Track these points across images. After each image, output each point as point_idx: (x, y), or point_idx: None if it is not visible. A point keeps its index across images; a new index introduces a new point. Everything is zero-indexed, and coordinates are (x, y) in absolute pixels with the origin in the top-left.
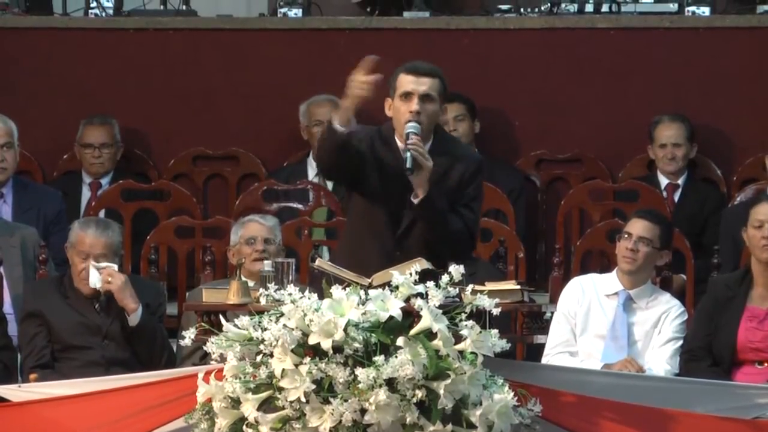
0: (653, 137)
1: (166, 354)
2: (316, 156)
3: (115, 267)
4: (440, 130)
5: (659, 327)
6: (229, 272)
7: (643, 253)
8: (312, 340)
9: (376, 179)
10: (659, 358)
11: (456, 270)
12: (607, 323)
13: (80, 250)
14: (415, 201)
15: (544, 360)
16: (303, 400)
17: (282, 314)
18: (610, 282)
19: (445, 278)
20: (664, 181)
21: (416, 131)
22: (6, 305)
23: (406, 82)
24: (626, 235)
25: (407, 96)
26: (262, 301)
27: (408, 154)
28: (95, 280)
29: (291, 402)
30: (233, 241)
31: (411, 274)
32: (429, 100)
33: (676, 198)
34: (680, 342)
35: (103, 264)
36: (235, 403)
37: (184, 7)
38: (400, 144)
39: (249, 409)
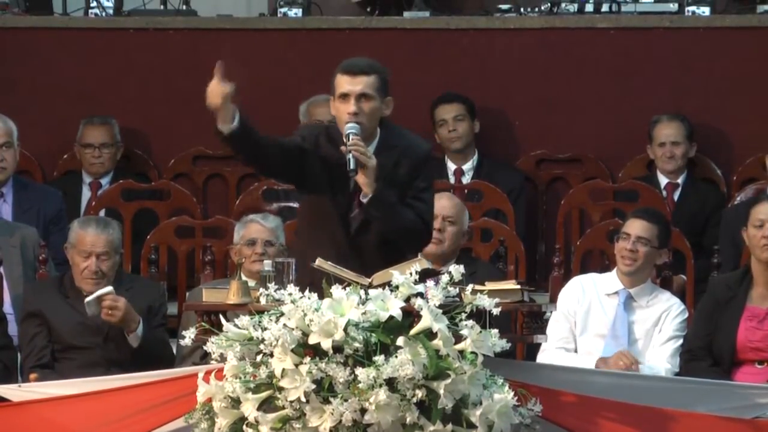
0: (652, 136)
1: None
2: None
3: (110, 289)
4: (386, 123)
5: (660, 325)
6: (230, 272)
7: (643, 253)
8: (312, 340)
9: (323, 178)
10: (660, 356)
11: (456, 270)
12: (607, 322)
13: (81, 249)
14: (364, 200)
15: (541, 355)
16: (303, 399)
17: (282, 314)
18: (610, 281)
19: (444, 278)
20: (663, 180)
21: (356, 131)
22: (6, 305)
23: (343, 82)
24: (624, 236)
25: (344, 97)
26: (262, 300)
27: (349, 156)
28: (93, 311)
29: (291, 402)
30: (235, 239)
31: (411, 274)
32: (366, 98)
33: (676, 197)
34: (681, 340)
35: (100, 292)
36: (235, 402)
37: (184, 7)
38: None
39: (249, 408)
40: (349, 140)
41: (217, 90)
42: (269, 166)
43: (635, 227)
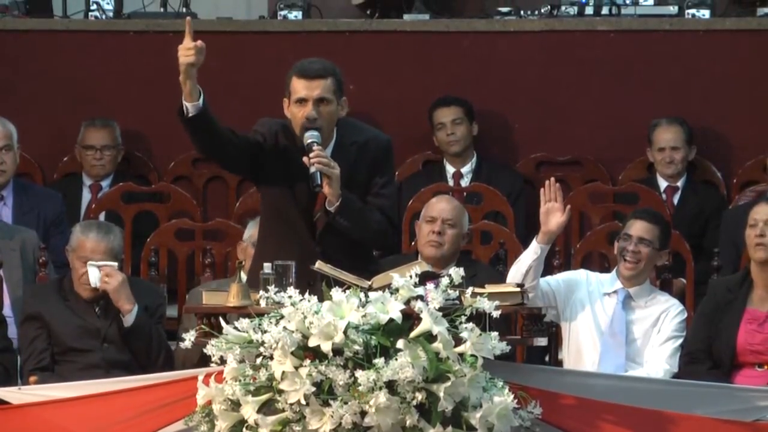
0: (651, 140)
1: (163, 355)
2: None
3: (115, 265)
4: (342, 121)
5: (659, 326)
6: (230, 275)
7: (645, 254)
8: (312, 343)
9: (283, 173)
10: (658, 356)
11: (455, 272)
12: (606, 320)
13: (81, 254)
14: (331, 209)
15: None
16: (303, 402)
17: (282, 317)
18: (609, 280)
19: (444, 281)
20: (663, 183)
21: (316, 140)
22: (6, 308)
23: (299, 87)
24: (626, 237)
25: (301, 102)
26: (262, 303)
27: (313, 170)
28: (95, 278)
29: (291, 404)
30: (245, 237)
31: (411, 276)
32: (324, 102)
33: (676, 200)
34: (680, 341)
35: (103, 262)
36: (235, 405)
37: (184, 10)
38: (299, 142)
39: (249, 411)
40: (311, 150)
41: (190, 46)
42: (225, 156)
43: (637, 228)
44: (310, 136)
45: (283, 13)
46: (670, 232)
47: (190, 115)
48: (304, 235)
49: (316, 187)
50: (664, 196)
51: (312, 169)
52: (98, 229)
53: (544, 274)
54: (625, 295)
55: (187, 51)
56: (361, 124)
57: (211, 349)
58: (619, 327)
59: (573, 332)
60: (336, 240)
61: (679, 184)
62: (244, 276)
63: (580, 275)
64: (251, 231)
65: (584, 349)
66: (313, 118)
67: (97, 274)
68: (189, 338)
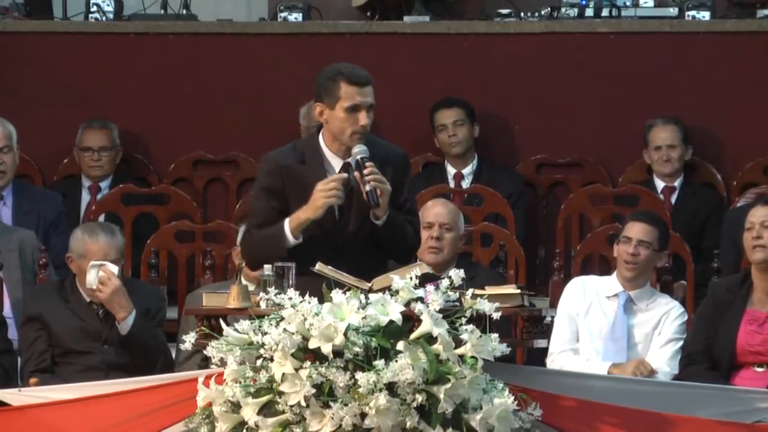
0: (647, 141)
1: (162, 360)
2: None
3: (115, 269)
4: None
5: (659, 328)
6: (230, 276)
7: (644, 256)
8: (312, 345)
9: (303, 196)
10: (659, 359)
11: (456, 274)
12: (607, 324)
13: (92, 259)
14: (379, 223)
15: (549, 359)
16: (303, 404)
17: (282, 318)
18: (610, 284)
19: (445, 282)
20: (660, 184)
21: (366, 155)
22: (6, 309)
23: (352, 93)
24: (625, 239)
25: (355, 109)
26: (262, 305)
27: (369, 189)
28: (92, 280)
29: (291, 406)
30: (239, 241)
31: (411, 278)
32: (372, 109)
33: (673, 201)
34: (680, 343)
35: (101, 262)
36: (236, 407)
37: (184, 12)
38: (328, 152)
39: (249, 413)
40: (363, 167)
41: (334, 186)
42: None
43: (636, 231)
44: (360, 152)
45: (283, 14)
46: (668, 233)
47: (291, 245)
48: (327, 250)
49: (374, 206)
50: (661, 196)
51: (367, 187)
52: (102, 230)
53: (544, 278)
54: (626, 299)
55: (331, 192)
56: (379, 139)
57: (212, 350)
58: (621, 331)
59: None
60: (357, 253)
61: (676, 184)
62: (243, 279)
63: (575, 290)
64: None
65: (586, 353)
66: (366, 125)
67: (95, 277)
68: (189, 340)
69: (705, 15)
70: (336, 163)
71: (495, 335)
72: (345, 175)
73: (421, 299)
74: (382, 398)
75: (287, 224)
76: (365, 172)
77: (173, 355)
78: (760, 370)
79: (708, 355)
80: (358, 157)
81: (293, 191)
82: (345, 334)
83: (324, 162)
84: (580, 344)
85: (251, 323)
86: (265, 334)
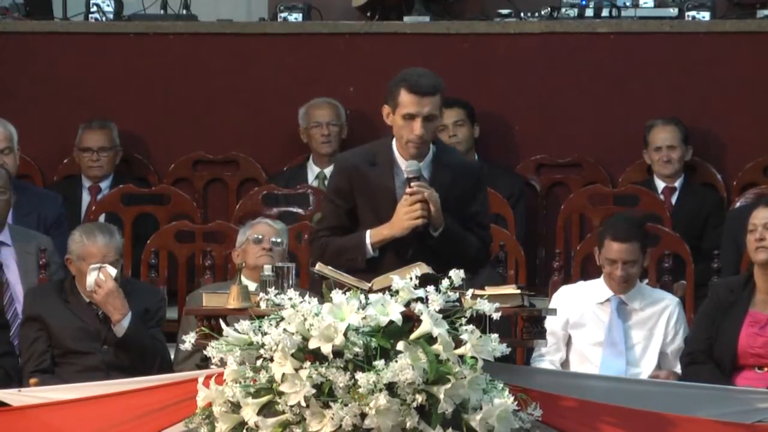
0: (647, 141)
1: (159, 362)
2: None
3: (114, 271)
4: (437, 139)
5: (659, 326)
6: (230, 276)
7: (633, 272)
8: (312, 345)
9: (370, 210)
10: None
11: (455, 274)
12: (603, 331)
13: (92, 261)
14: (435, 234)
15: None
16: (303, 404)
17: (282, 318)
18: (599, 289)
19: (445, 283)
20: (660, 184)
21: (417, 173)
22: (19, 311)
23: (409, 102)
24: (610, 262)
25: (411, 117)
26: (262, 305)
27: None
28: (92, 283)
29: (291, 406)
30: (240, 240)
31: (411, 278)
32: (431, 119)
33: (673, 201)
34: (679, 341)
35: (104, 266)
36: (235, 407)
37: (184, 12)
38: (398, 156)
39: (249, 413)
40: (408, 185)
41: (418, 207)
42: None
43: (617, 252)
44: (412, 171)
45: (283, 15)
46: (645, 234)
47: (369, 257)
48: (392, 260)
49: (423, 224)
50: (661, 197)
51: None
52: (101, 232)
53: (544, 278)
54: (618, 302)
55: (416, 213)
56: (455, 149)
57: (212, 351)
58: (618, 336)
59: (570, 346)
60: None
61: (677, 184)
62: (244, 279)
63: (563, 300)
64: (248, 232)
65: (584, 360)
66: (420, 135)
67: (93, 279)
68: (189, 340)
69: (705, 15)
70: (405, 167)
71: (495, 335)
72: (425, 192)
73: (421, 299)
74: (382, 398)
75: (368, 238)
76: (407, 191)
77: (172, 356)
78: (760, 372)
79: (709, 355)
80: (408, 176)
81: (360, 192)
82: (345, 335)
83: (394, 166)
84: (578, 352)
85: (251, 323)
86: (265, 334)
